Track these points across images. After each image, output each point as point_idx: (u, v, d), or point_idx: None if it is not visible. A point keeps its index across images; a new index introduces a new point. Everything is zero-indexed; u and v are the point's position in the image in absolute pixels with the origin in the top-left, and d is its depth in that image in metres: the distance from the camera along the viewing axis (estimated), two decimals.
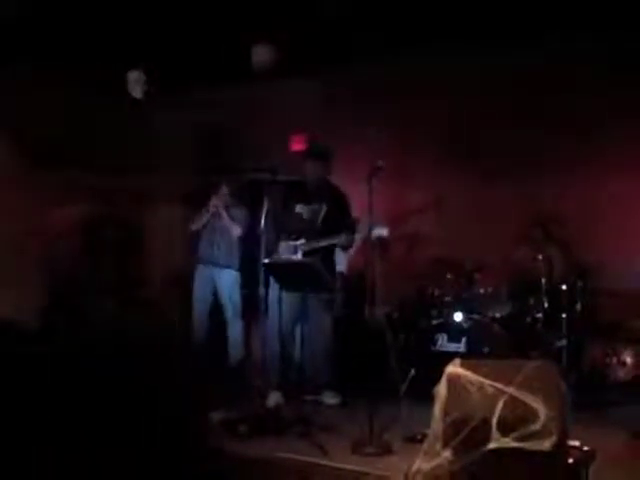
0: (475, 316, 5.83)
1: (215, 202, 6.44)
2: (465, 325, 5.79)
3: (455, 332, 5.78)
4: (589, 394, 5.45)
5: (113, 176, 7.07)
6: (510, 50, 6.29)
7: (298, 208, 5.74)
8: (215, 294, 6.56)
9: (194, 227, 6.58)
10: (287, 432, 4.74)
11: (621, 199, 6.08)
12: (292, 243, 5.64)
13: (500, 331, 5.74)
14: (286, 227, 5.70)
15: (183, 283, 6.94)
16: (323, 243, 5.55)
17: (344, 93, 7.18)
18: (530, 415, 3.01)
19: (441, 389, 3.19)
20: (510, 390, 3.07)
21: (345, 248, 5.69)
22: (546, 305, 5.76)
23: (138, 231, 7.66)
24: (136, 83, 6.50)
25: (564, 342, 5.71)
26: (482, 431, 3.02)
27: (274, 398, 5.53)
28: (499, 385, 3.07)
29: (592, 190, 6.21)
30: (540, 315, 5.76)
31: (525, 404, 3.03)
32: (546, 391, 3.08)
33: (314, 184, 5.76)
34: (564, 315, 5.77)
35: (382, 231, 5.19)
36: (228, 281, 6.53)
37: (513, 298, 5.91)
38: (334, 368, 5.78)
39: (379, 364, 5.93)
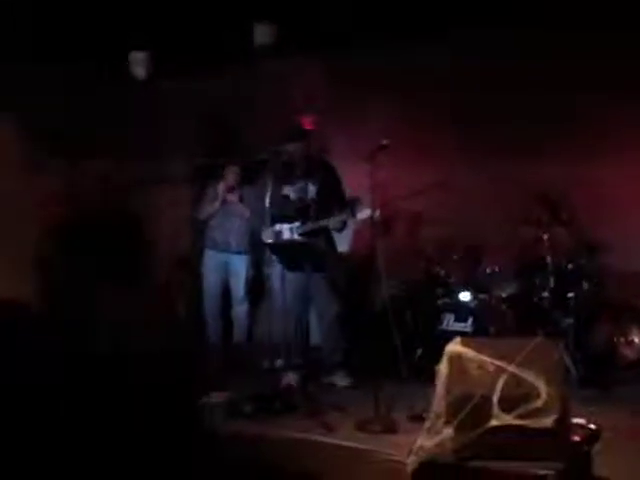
0: (481, 296, 5.83)
1: (222, 187, 6.43)
2: (471, 305, 5.79)
3: (461, 312, 5.78)
4: (596, 373, 5.47)
5: (116, 160, 7.07)
6: (513, 22, 6.17)
7: (285, 190, 5.73)
8: (225, 277, 6.58)
9: (202, 216, 6.57)
10: (293, 412, 4.77)
11: (630, 178, 6.04)
12: (287, 225, 5.62)
13: (506, 310, 5.74)
14: (277, 210, 5.68)
15: (190, 268, 6.97)
16: (316, 226, 5.54)
17: (346, 72, 7.13)
18: (531, 392, 3.02)
19: (442, 368, 3.20)
20: (511, 368, 3.08)
21: (339, 230, 5.68)
22: (552, 284, 5.73)
23: (142, 215, 7.66)
24: (139, 64, 6.49)
25: (571, 321, 5.69)
26: (483, 409, 3.04)
27: (287, 379, 5.56)
28: (500, 363, 3.08)
29: (600, 169, 6.14)
30: (547, 294, 5.72)
31: (526, 382, 3.04)
32: (547, 369, 3.08)
33: (299, 164, 5.72)
34: (571, 294, 5.76)
35: (364, 213, 5.18)
36: (240, 266, 6.55)
37: (519, 277, 5.89)
38: (345, 349, 5.80)
39: (386, 344, 5.94)
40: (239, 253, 6.51)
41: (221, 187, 6.43)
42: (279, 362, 5.81)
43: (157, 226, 7.82)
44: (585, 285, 5.81)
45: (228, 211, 6.48)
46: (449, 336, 3.87)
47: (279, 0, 5.83)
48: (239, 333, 6.58)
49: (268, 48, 6.08)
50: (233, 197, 6.45)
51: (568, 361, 5.41)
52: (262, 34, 5.99)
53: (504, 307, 5.76)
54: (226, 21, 6.03)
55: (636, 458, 3.74)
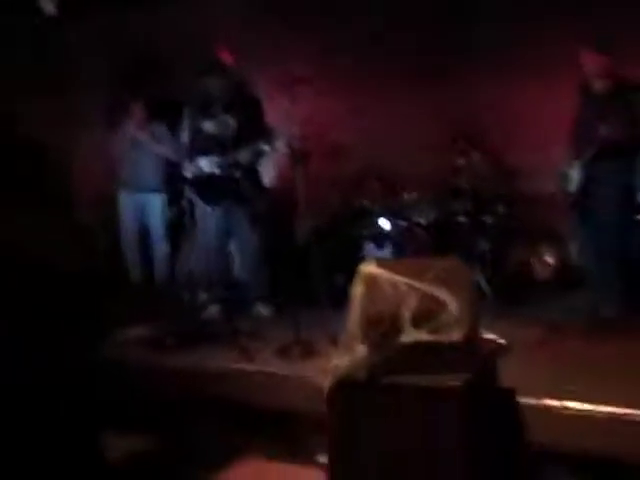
0: (400, 223, 5.91)
1: (131, 125, 6.29)
2: (390, 232, 5.88)
3: (381, 239, 5.87)
4: (513, 294, 5.65)
5: (28, 98, 6.82)
6: None
7: (205, 125, 5.62)
8: (143, 218, 6.50)
9: (115, 156, 6.43)
10: (214, 343, 4.81)
11: (544, 104, 6.11)
12: (207, 159, 5.55)
13: (425, 236, 5.83)
14: (197, 144, 5.60)
15: (105, 208, 6.84)
16: (236, 158, 5.49)
17: (263, 7, 7.01)
18: (441, 309, 3.08)
19: (356, 288, 3.23)
20: (423, 286, 3.12)
21: (258, 161, 5.65)
22: (469, 209, 5.85)
23: (55, 153, 7.43)
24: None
25: (488, 244, 5.85)
26: (396, 326, 3.08)
27: (209, 311, 5.59)
28: (412, 281, 3.13)
29: (516, 95, 6.22)
30: (464, 219, 5.85)
31: (437, 298, 3.10)
32: (457, 286, 3.14)
33: (219, 98, 5.62)
34: (488, 219, 5.90)
35: (283, 144, 5.16)
36: (156, 205, 6.47)
37: (437, 204, 5.98)
38: (267, 281, 5.85)
39: (307, 274, 6.00)
40: (154, 191, 6.41)
41: (129, 125, 6.29)
42: (201, 296, 5.81)
43: (72, 166, 7.63)
44: (500, 209, 5.95)
45: (139, 149, 6.35)
46: None
47: None
48: (160, 271, 6.54)
49: None
50: (143, 134, 6.31)
51: (484, 283, 5.58)
52: None
53: (422, 233, 5.85)
54: None
55: (542, 369, 3.91)
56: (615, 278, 5.04)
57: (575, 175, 5.02)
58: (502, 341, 3.67)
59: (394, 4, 6.44)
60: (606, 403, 3.32)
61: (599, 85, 4.99)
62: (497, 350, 3.54)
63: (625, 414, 3.25)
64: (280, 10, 6.84)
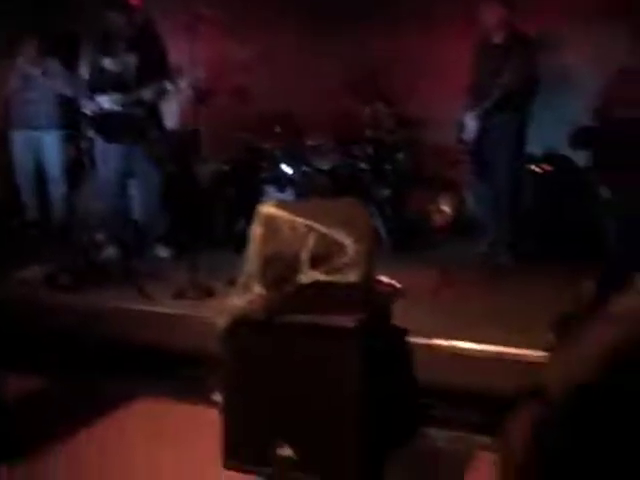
0: (302, 167, 5.92)
1: (22, 61, 6.02)
2: (293, 176, 5.88)
3: (283, 183, 5.87)
4: (411, 239, 5.80)
5: None
6: None
7: (105, 62, 5.44)
8: (38, 157, 6.27)
9: (5, 92, 6.15)
10: (112, 283, 4.75)
11: (445, 55, 6.21)
12: (107, 97, 5.38)
13: (326, 181, 5.86)
14: (97, 82, 5.42)
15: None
16: (136, 97, 5.35)
17: None
18: (339, 250, 3.13)
19: (255, 229, 3.24)
20: (321, 227, 3.16)
21: (159, 100, 5.53)
22: (371, 157, 5.91)
23: None
24: None
25: (388, 191, 5.94)
26: (294, 266, 3.12)
27: (107, 252, 5.49)
28: (310, 222, 3.15)
29: (420, 47, 6.30)
30: (365, 166, 5.91)
31: (335, 240, 3.14)
32: (354, 228, 3.19)
33: (120, 35, 5.44)
34: (388, 166, 5.98)
35: (184, 83, 5.07)
36: (52, 143, 6.23)
37: (339, 150, 6.02)
38: (167, 223, 5.79)
39: (209, 218, 5.97)
40: (49, 129, 6.19)
41: (19, 61, 6.03)
42: (99, 236, 5.70)
43: None
44: (401, 157, 6.05)
45: (32, 85, 6.10)
46: None
47: None
48: (57, 212, 6.35)
49: None
50: (35, 71, 6.05)
51: (382, 229, 5.68)
52: None
53: (324, 178, 5.88)
54: None
55: (434, 311, 4.07)
56: (508, 227, 5.24)
57: (471, 125, 5.15)
58: (397, 285, 3.75)
59: None
60: (492, 343, 3.49)
61: (497, 37, 5.11)
62: (392, 293, 3.61)
63: (506, 353, 3.43)
64: None
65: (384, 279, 3.75)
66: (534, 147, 5.58)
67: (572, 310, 3.35)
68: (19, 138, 6.22)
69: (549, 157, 5.74)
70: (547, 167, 5.68)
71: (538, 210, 5.56)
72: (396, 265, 4.47)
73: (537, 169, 5.70)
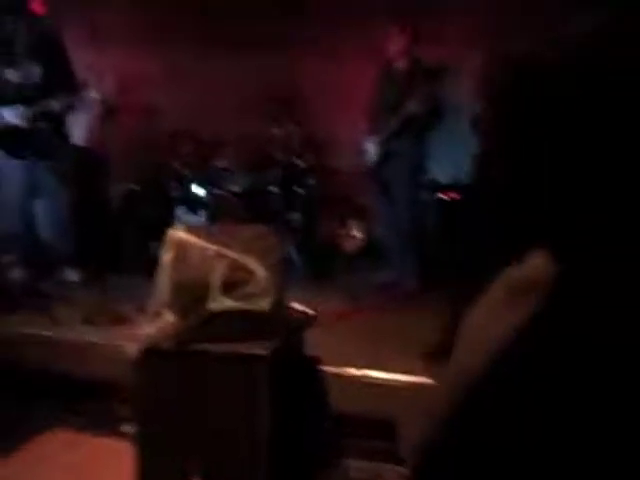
0: (213, 190, 5.90)
1: None
2: (204, 198, 5.85)
3: (194, 205, 5.82)
4: (321, 265, 5.82)
5: None
6: None
7: (8, 73, 5.28)
8: None
9: None
10: (18, 307, 4.60)
11: (354, 78, 6.28)
12: (8, 110, 5.22)
13: (237, 204, 5.85)
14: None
15: None
16: (41, 109, 5.21)
17: None
18: (249, 277, 3.12)
19: (165, 254, 3.20)
20: (231, 253, 3.14)
21: (65, 114, 5.40)
22: (281, 180, 5.94)
23: None
24: None
25: (298, 216, 5.97)
26: (203, 293, 3.09)
27: (13, 274, 5.29)
28: (221, 249, 3.14)
29: (328, 67, 6.36)
30: (275, 189, 5.93)
31: (245, 266, 3.13)
32: (264, 254, 3.19)
33: (23, 42, 5.24)
34: (298, 190, 6.02)
35: (91, 96, 4.98)
36: None
37: (250, 172, 6.03)
38: (75, 244, 5.63)
39: (118, 239, 5.87)
40: None
41: None
42: (5, 257, 5.50)
43: None
44: (311, 181, 6.10)
45: None
46: None
47: None
48: None
49: None
50: None
51: (294, 254, 5.71)
52: None
53: (235, 201, 5.87)
54: None
55: (345, 337, 4.09)
56: (411, 252, 5.32)
57: (372, 150, 5.25)
58: (310, 311, 3.76)
59: None
60: (401, 372, 3.54)
61: (401, 64, 5.23)
62: (304, 320, 3.63)
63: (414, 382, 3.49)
64: None
65: (296, 306, 3.77)
66: (442, 175, 5.72)
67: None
68: None
69: (456, 185, 5.88)
70: (454, 195, 5.83)
71: (445, 237, 5.68)
72: (309, 291, 4.50)
73: (444, 196, 5.84)
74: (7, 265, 5.25)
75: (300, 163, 6.04)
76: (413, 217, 5.30)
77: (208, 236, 3.23)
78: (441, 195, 5.84)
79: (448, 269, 5.41)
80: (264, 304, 3.11)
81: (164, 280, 3.19)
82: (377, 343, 3.98)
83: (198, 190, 5.86)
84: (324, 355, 3.60)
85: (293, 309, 3.68)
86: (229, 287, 3.11)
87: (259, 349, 3.00)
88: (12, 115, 5.14)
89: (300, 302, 3.86)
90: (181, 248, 3.19)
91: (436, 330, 3.96)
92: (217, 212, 5.78)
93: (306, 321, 3.70)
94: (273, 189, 5.93)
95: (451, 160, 5.56)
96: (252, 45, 6.27)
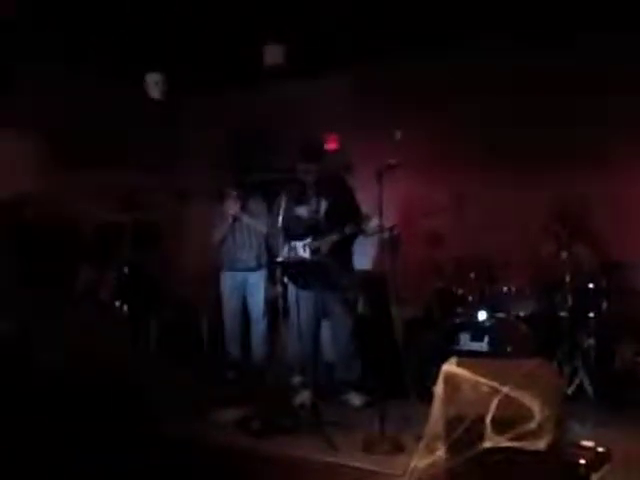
0: (498, 315, 5.75)
1: (231, 206, 6.42)
2: (488, 324, 5.70)
3: (478, 331, 5.67)
4: (618, 395, 5.36)
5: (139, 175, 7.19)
6: (542, 50, 6.29)
7: (298, 210, 5.71)
8: (244, 296, 6.58)
9: (217, 237, 6.56)
10: (301, 430, 4.75)
11: None
12: (299, 243, 5.60)
13: (524, 330, 5.63)
14: (290, 230, 5.64)
15: (210, 286, 6.96)
16: (328, 239, 5.50)
17: (373, 91, 7.19)
18: (525, 414, 2.97)
19: (438, 388, 3.17)
20: (505, 389, 3.03)
21: (349, 244, 5.64)
22: (571, 303, 5.64)
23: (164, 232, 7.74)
24: (154, 85, 6.57)
25: (591, 341, 5.60)
26: (476, 430, 3.00)
27: (301, 397, 5.52)
28: (494, 384, 3.04)
29: (621, 188, 6.14)
30: (565, 314, 5.64)
31: (520, 403, 3.00)
32: (543, 390, 3.04)
33: (312, 183, 5.70)
34: (591, 314, 5.67)
35: (372, 226, 5.12)
36: (257, 282, 6.53)
37: (537, 296, 5.82)
38: (360, 368, 5.76)
39: (400, 364, 5.89)
40: (255, 270, 6.50)
41: (229, 207, 6.42)
42: (295, 380, 5.78)
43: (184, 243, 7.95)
44: (605, 304, 5.71)
45: (242, 229, 6.47)
46: (465, 356, 3.83)
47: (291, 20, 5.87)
48: (257, 351, 6.57)
49: (279, 68, 6.09)
50: (244, 215, 6.43)
51: (586, 382, 5.34)
52: (272, 55, 5.99)
53: (521, 326, 5.66)
54: (236, 42, 6.14)
55: None
56: None
57: None
58: (601, 449, 3.43)
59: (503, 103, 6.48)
60: None
61: None
62: (594, 460, 3.31)
63: None
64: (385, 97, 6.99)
65: (586, 443, 3.46)
66: None
67: None
68: (227, 278, 6.58)
69: None
70: None
71: None
72: (600, 425, 4.13)
73: None
74: (295, 388, 5.50)
75: (592, 286, 5.70)
76: None
77: (481, 370, 3.15)
78: None
79: None
80: (541, 444, 2.93)
81: (437, 414, 3.14)
82: None
83: (481, 315, 5.74)
84: None
85: (580, 446, 3.40)
86: (503, 424, 2.98)
87: None
88: (299, 248, 5.51)
89: (590, 438, 3.56)
90: (453, 382, 3.14)
91: None
92: (501, 338, 5.60)
93: (597, 461, 3.38)
94: (562, 313, 5.64)
95: None
96: (537, 168, 6.22)
